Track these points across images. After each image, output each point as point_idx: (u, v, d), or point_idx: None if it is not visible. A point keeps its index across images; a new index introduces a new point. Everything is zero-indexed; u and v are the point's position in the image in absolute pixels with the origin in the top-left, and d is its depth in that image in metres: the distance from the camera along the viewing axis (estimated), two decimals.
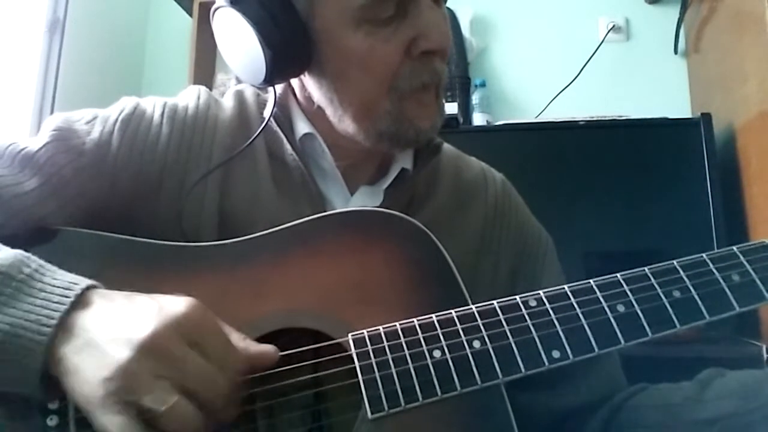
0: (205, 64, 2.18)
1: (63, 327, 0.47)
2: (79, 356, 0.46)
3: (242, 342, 0.51)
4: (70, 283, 0.49)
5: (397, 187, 0.71)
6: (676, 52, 1.99)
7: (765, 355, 1.25)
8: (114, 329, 0.46)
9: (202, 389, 0.45)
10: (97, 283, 0.51)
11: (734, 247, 0.56)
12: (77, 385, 0.45)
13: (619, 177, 1.53)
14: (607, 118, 1.64)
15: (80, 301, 0.48)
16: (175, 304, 0.48)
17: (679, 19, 1.92)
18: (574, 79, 1.95)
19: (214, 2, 0.65)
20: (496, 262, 0.74)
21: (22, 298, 0.48)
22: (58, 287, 0.49)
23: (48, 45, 1.88)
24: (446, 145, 0.78)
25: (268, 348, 0.52)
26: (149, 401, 0.43)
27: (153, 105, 0.69)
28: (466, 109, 1.98)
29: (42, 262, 0.52)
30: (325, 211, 0.64)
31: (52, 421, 0.48)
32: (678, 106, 1.90)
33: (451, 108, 1.93)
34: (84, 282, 0.50)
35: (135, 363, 0.44)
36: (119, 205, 0.64)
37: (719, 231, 1.44)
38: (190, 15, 2.16)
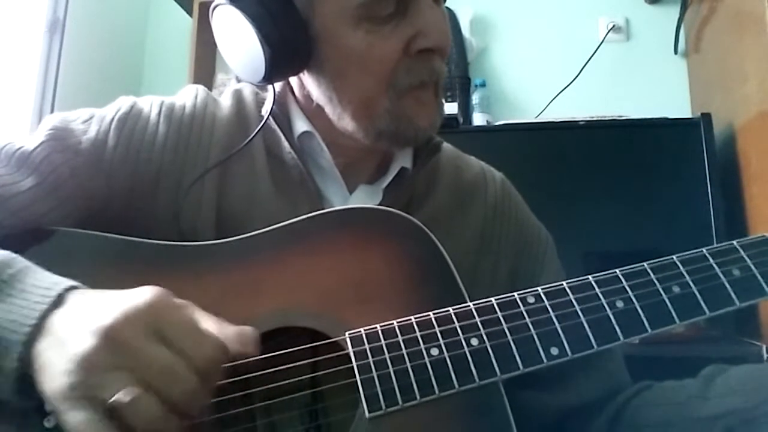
0: (205, 64, 2.18)
1: (41, 327, 0.46)
2: (49, 352, 0.45)
3: (216, 327, 0.48)
4: (52, 283, 0.49)
5: (397, 186, 0.71)
6: (676, 52, 1.98)
7: (765, 355, 1.25)
8: (80, 323, 0.45)
9: (161, 382, 0.43)
10: (79, 283, 0.50)
11: (734, 242, 0.56)
12: (46, 381, 0.44)
13: (619, 177, 1.53)
14: (607, 118, 1.64)
15: (59, 302, 0.47)
16: (138, 295, 0.46)
17: (679, 19, 1.92)
18: (574, 79, 1.95)
19: (214, 2, 0.65)
20: (495, 262, 0.74)
21: (3, 299, 0.47)
22: (40, 287, 0.48)
23: (48, 45, 1.88)
24: (446, 145, 0.78)
25: (244, 329, 0.49)
26: (109, 394, 0.41)
27: (150, 104, 0.69)
28: (466, 109, 1.98)
29: (28, 263, 0.51)
30: (325, 209, 0.63)
31: (49, 423, 0.48)
32: (678, 106, 1.89)
33: (451, 108, 1.93)
34: (65, 283, 0.49)
35: (94, 353, 0.42)
36: (116, 205, 0.64)
37: (719, 231, 1.44)
38: (190, 15, 2.16)
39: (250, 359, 0.49)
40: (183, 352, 0.44)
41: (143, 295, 0.46)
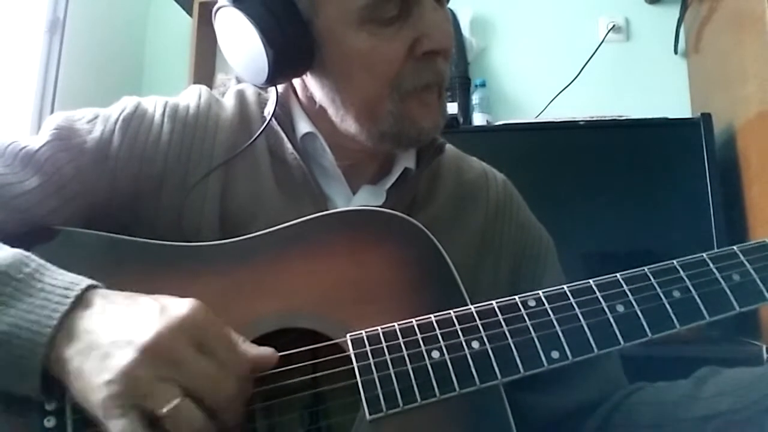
0: (205, 64, 2.18)
1: (63, 327, 0.47)
2: (82, 359, 0.46)
3: (242, 344, 0.51)
4: (71, 282, 0.49)
5: (400, 187, 0.71)
6: (676, 52, 1.98)
7: (765, 355, 1.25)
8: (116, 331, 0.46)
9: (206, 390, 0.45)
10: (98, 283, 0.51)
11: (734, 247, 0.56)
12: (80, 388, 0.45)
13: (619, 177, 1.53)
14: (607, 118, 1.64)
15: (80, 302, 0.48)
16: (178, 306, 0.48)
17: (679, 19, 1.92)
18: (574, 79, 1.94)
19: (214, 2, 0.65)
20: (496, 262, 0.74)
21: (21, 298, 0.48)
22: (59, 287, 0.49)
23: (48, 45, 1.88)
24: (448, 146, 0.78)
25: (267, 351, 0.51)
26: (152, 403, 0.43)
27: (154, 104, 0.69)
28: (466, 109, 1.98)
29: (42, 261, 0.52)
30: (327, 210, 0.63)
31: (49, 423, 0.48)
32: (678, 106, 1.89)
33: (451, 108, 1.93)
34: (84, 282, 0.50)
35: (137, 366, 0.44)
36: (120, 204, 0.64)
37: (719, 231, 1.44)
38: (190, 15, 2.16)
39: (264, 373, 0.51)
40: (224, 363, 0.47)
41: (182, 306, 0.48)
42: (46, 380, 0.47)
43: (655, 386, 0.67)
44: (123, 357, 0.44)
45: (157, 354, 0.45)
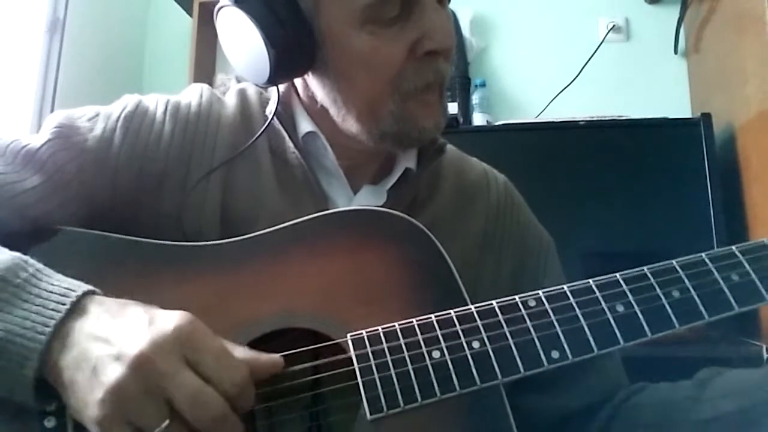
0: (205, 64, 2.18)
1: (59, 335, 0.47)
2: (73, 371, 0.46)
3: (244, 354, 0.50)
4: (67, 289, 0.49)
5: (401, 187, 0.71)
6: (676, 52, 1.98)
7: (765, 355, 1.25)
8: (105, 343, 0.46)
9: (193, 408, 0.44)
10: (96, 288, 0.50)
11: (733, 247, 0.56)
12: (73, 400, 0.46)
13: (619, 177, 1.53)
14: (607, 118, 1.64)
15: (76, 309, 0.48)
16: (167, 319, 0.47)
17: (679, 19, 1.92)
18: (574, 79, 1.94)
19: (214, 2, 0.65)
20: (497, 263, 0.74)
21: (18, 304, 0.48)
22: (55, 293, 0.49)
23: (48, 45, 1.88)
24: (449, 146, 0.78)
25: (268, 358, 0.51)
26: (142, 422, 0.43)
27: (156, 102, 0.69)
28: (466, 109, 1.98)
29: (40, 266, 0.51)
30: (328, 210, 0.64)
31: (49, 423, 0.48)
32: (678, 106, 1.89)
33: (451, 108, 1.93)
34: (81, 288, 0.49)
35: (126, 382, 0.44)
36: (121, 203, 0.64)
37: (719, 231, 1.44)
38: (190, 15, 2.16)
39: (277, 386, 0.51)
40: (211, 379, 0.46)
41: (171, 320, 0.47)
42: (41, 387, 0.47)
43: (657, 387, 0.66)
44: (112, 373, 0.44)
45: (143, 369, 0.44)
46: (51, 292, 0.49)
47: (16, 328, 0.46)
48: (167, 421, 0.43)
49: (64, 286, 0.49)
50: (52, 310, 0.47)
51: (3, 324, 0.46)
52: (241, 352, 0.50)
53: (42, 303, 0.48)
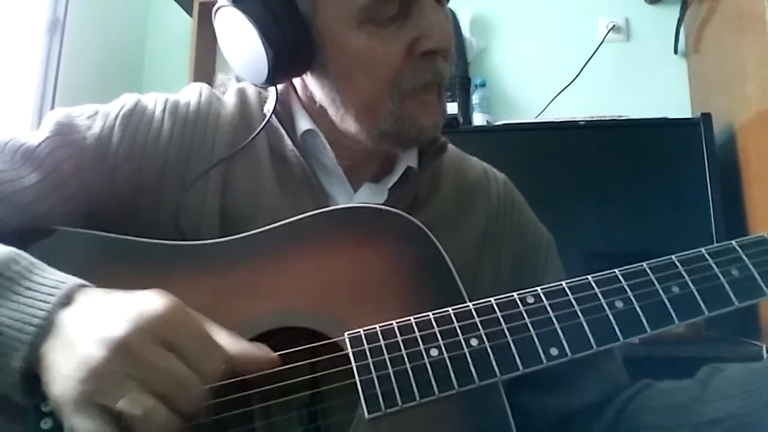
0: (205, 64, 2.18)
1: (48, 326, 0.46)
2: (57, 355, 0.45)
3: (232, 342, 0.49)
4: (58, 281, 0.49)
5: (402, 186, 0.71)
6: (676, 52, 1.98)
7: (765, 355, 1.25)
8: (90, 328, 0.45)
9: (172, 391, 0.44)
10: (86, 282, 0.50)
11: (733, 242, 0.56)
12: (53, 383, 0.45)
13: (619, 177, 1.53)
14: (607, 118, 1.64)
15: (66, 301, 0.48)
16: (151, 303, 0.46)
17: (679, 19, 1.92)
18: (574, 79, 1.94)
19: (214, 2, 0.65)
20: (497, 262, 0.74)
21: (9, 296, 0.48)
22: (46, 285, 0.48)
23: (48, 45, 1.88)
24: (449, 145, 0.78)
25: (262, 353, 0.50)
26: (121, 405, 0.42)
27: (154, 101, 0.69)
28: (466, 109, 1.98)
29: (34, 260, 0.51)
30: (329, 207, 0.63)
31: (46, 424, 0.48)
32: (678, 106, 1.89)
33: (451, 108, 1.93)
34: (72, 281, 0.49)
35: (107, 363, 0.43)
36: (119, 201, 0.63)
37: (719, 231, 1.44)
38: (190, 15, 2.16)
39: (261, 373, 0.50)
40: (191, 362, 0.45)
41: (154, 303, 0.46)
42: (30, 380, 0.46)
43: (660, 388, 0.66)
44: (93, 354, 0.43)
45: (125, 352, 0.43)
46: (42, 284, 0.49)
47: (6, 319, 0.46)
48: (145, 402, 0.42)
49: (55, 278, 0.49)
50: (42, 301, 0.47)
51: None
52: (224, 337, 0.49)
53: (32, 295, 0.48)
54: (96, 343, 0.44)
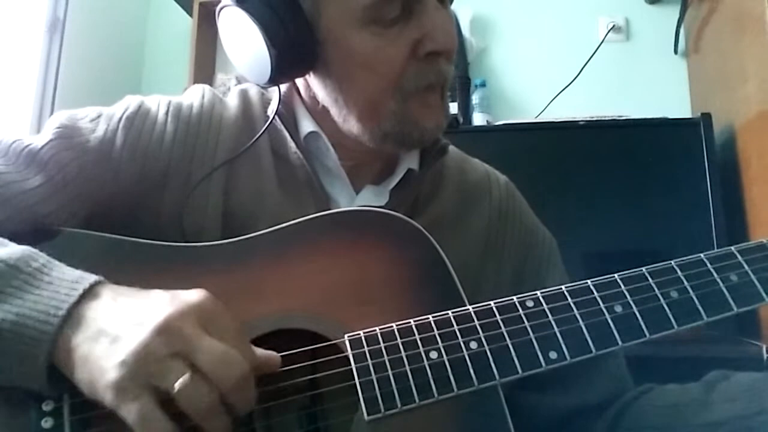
0: (205, 64, 2.18)
1: (71, 318, 0.47)
2: (89, 345, 0.45)
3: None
4: (80, 276, 0.50)
5: (403, 188, 0.71)
6: (676, 52, 1.98)
7: (765, 355, 1.25)
8: (126, 317, 0.46)
9: (219, 367, 0.45)
10: (104, 279, 0.51)
11: (732, 247, 0.56)
12: (87, 375, 0.45)
13: (619, 177, 1.53)
14: (607, 118, 1.64)
15: (89, 294, 0.48)
16: (188, 294, 0.48)
17: (679, 19, 1.92)
18: (574, 79, 1.94)
19: (214, 2, 0.65)
20: (500, 264, 0.74)
21: (29, 290, 0.48)
22: (67, 280, 0.49)
23: (48, 45, 1.88)
24: (451, 147, 0.78)
25: (271, 354, 0.51)
26: (165, 381, 0.43)
27: (158, 103, 0.69)
28: (466, 109, 1.98)
29: (50, 258, 0.52)
30: (329, 210, 0.63)
31: (47, 423, 0.48)
32: (678, 106, 1.89)
33: (451, 108, 1.92)
34: (92, 277, 0.50)
35: (148, 344, 0.44)
36: (122, 203, 0.64)
37: (719, 231, 1.44)
38: (190, 15, 2.16)
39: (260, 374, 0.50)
40: (234, 343, 0.47)
41: (194, 293, 0.48)
42: (53, 373, 0.46)
43: (664, 389, 0.66)
44: (134, 337, 0.44)
45: (167, 333, 0.44)
46: (63, 279, 0.49)
47: (29, 311, 0.47)
48: (189, 374, 0.43)
49: (76, 274, 0.50)
50: (65, 294, 0.48)
51: (15, 309, 0.47)
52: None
53: (54, 289, 0.48)
54: (136, 328, 0.45)
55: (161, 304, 0.47)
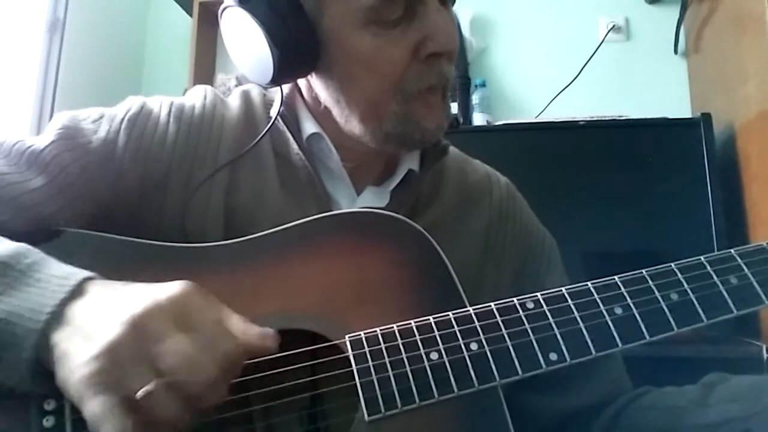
0: (205, 64, 2.18)
1: (58, 316, 0.46)
2: (68, 341, 0.45)
3: (242, 325, 0.48)
4: (69, 273, 0.49)
5: (404, 188, 0.71)
6: (676, 52, 1.98)
7: (765, 355, 1.25)
8: (103, 313, 0.45)
9: (183, 373, 0.43)
10: (95, 274, 0.50)
11: (732, 250, 0.56)
12: (65, 370, 0.44)
13: (619, 177, 1.53)
14: (607, 118, 1.64)
15: (77, 291, 0.48)
16: (166, 287, 0.47)
17: (679, 19, 1.92)
18: (574, 79, 1.94)
19: (214, 2, 0.65)
20: (500, 265, 0.74)
21: (19, 288, 0.48)
22: (56, 277, 0.49)
23: (48, 45, 1.88)
24: (451, 148, 0.78)
25: (267, 330, 0.49)
26: (131, 384, 0.42)
27: (160, 104, 0.69)
28: (466, 109, 1.98)
29: (43, 255, 0.51)
30: (331, 211, 0.64)
31: (48, 422, 0.48)
32: (678, 106, 1.89)
33: (451, 108, 1.93)
34: (82, 273, 0.49)
35: (120, 342, 0.43)
36: (125, 204, 0.64)
37: (719, 231, 1.44)
38: (190, 15, 2.16)
39: (266, 357, 0.50)
40: (206, 345, 0.45)
41: (173, 286, 0.47)
42: (39, 371, 0.46)
43: (661, 391, 0.66)
44: (104, 335, 0.43)
45: (138, 329, 0.43)
46: (52, 275, 0.49)
47: (17, 309, 0.46)
48: (151, 385, 0.42)
49: (66, 271, 0.50)
50: (53, 291, 0.47)
51: (4, 306, 0.46)
52: (236, 321, 0.48)
53: (43, 286, 0.48)
54: (111, 325, 0.44)
55: (136, 300, 0.45)
